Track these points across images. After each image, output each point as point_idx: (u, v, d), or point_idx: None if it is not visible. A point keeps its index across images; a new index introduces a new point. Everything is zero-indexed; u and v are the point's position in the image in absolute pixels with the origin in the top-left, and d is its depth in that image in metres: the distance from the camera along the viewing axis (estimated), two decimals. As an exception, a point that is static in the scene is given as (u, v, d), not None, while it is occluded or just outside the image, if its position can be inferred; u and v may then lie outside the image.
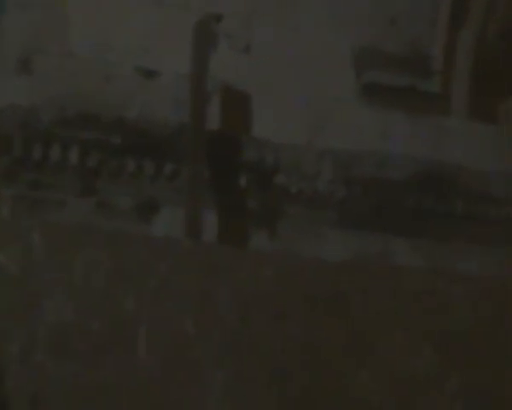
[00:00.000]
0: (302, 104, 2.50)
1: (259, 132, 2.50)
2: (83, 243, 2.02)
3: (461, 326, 2.40)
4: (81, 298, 1.98)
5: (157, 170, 2.47)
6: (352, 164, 2.48)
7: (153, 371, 1.98)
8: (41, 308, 1.93)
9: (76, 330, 1.95)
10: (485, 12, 2.75)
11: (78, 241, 2.04)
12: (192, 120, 2.42)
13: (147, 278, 2.02)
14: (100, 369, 1.94)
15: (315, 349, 2.19)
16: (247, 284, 2.11)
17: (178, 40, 2.47)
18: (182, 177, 2.44)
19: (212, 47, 2.47)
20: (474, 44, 2.72)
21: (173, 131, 2.47)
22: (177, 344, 2.03)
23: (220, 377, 2.06)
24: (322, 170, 2.45)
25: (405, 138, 2.60)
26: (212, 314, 2.06)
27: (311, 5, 2.51)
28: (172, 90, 2.49)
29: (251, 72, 2.55)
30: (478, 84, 2.78)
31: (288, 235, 2.48)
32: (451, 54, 2.64)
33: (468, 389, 2.32)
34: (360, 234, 2.52)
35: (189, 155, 2.42)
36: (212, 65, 2.46)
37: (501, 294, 2.49)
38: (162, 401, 1.99)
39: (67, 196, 2.40)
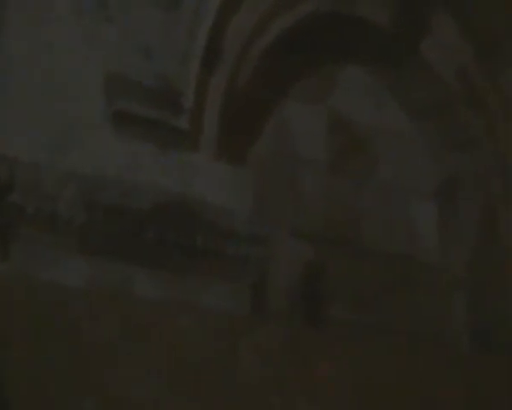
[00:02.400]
0: (47, 123, 2.44)
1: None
2: None
3: (193, 359, 2.45)
4: None
5: None
6: (95, 190, 2.45)
7: None
8: None
9: None
10: (238, 57, 2.88)
11: None
12: None
13: None
14: None
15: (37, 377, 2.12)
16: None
17: None
18: None
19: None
20: (226, 87, 2.84)
21: None
22: None
23: None
24: (64, 192, 2.39)
25: (152, 170, 2.62)
26: None
27: (65, 23, 2.48)
28: None
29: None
30: (228, 126, 2.90)
31: (21, 257, 2.39)
32: (203, 93, 2.73)
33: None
34: (99, 261, 2.49)
35: None
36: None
37: (235, 329, 2.59)
38: None
39: None
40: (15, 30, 2.48)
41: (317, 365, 2.66)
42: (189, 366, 2.42)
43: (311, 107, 3.45)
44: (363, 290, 3.37)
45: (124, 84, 2.52)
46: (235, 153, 2.92)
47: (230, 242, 2.77)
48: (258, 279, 2.97)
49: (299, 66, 3.39)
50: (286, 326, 2.76)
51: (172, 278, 2.63)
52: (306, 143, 3.43)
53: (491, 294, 3.47)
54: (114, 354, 2.20)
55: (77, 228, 2.44)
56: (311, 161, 3.42)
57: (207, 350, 2.47)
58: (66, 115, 2.48)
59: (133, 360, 2.24)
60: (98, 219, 2.45)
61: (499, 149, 3.65)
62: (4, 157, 2.30)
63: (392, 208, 3.56)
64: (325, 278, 3.32)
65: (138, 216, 2.52)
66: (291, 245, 3.24)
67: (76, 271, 2.46)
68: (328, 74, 3.52)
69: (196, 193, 2.71)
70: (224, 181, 2.82)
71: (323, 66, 3.50)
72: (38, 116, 2.45)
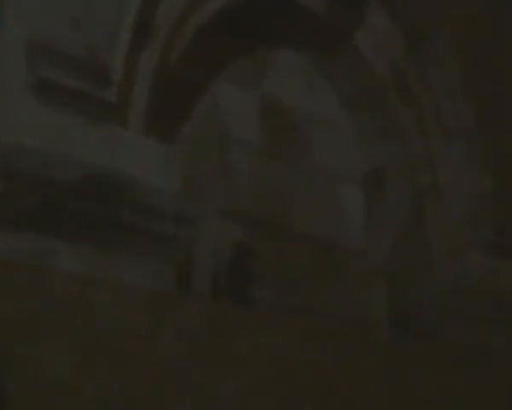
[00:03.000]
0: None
1: None
2: None
3: (114, 334, 2.43)
4: None
5: None
6: (16, 159, 2.40)
7: None
8: None
9: None
10: (171, 34, 2.86)
11: None
12: None
13: None
14: None
15: None
16: None
17: None
18: None
19: None
20: (157, 63, 2.81)
21: None
22: None
23: None
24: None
25: (78, 142, 2.58)
26: None
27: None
28: None
29: None
30: (158, 103, 2.88)
31: None
32: (133, 67, 2.70)
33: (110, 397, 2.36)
34: (19, 232, 2.44)
35: None
36: None
37: (157, 306, 2.58)
38: None
39: None
40: None
41: (238, 344, 2.68)
42: (110, 341, 2.41)
43: (244, 89, 3.46)
44: (290, 273, 3.40)
45: (49, 53, 2.47)
46: (164, 131, 2.91)
47: (156, 219, 2.76)
48: (184, 258, 2.97)
49: (234, 47, 3.40)
50: (210, 305, 2.76)
51: (96, 252, 2.60)
52: (239, 125, 3.44)
53: (412, 281, 3.55)
54: (37, 327, 2.17)
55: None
56: (243, 144, 3.43)
57: (129, 326, 2.46)
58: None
59: (54, 334, 2.21)
60: (19, 189, 2.40)
61: (427, 140, 3.73)
62: None
63: (321, 194, 3.59)
64: (253, 259, 3.34)
65: (61, 188, 2.48)
66: (219, 225, 3.25)
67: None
68: (262, 57, 3.53)
69: (123, 168, 2.68)
70: (152, 158, 2.80)
71: (258, 49, 3.51)
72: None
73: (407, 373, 3.00)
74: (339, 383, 2.82)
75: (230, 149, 3.40)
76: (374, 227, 3.65)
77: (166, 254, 2.81)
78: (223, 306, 2.97)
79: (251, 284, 3.28)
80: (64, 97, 2.54)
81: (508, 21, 4.05)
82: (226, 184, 3.35)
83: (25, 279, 2.26)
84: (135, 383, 2.42)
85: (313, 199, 3.57)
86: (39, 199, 2.43)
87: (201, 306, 2.66)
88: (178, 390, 2.51)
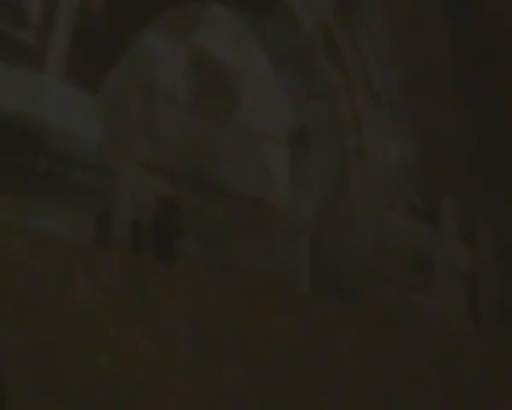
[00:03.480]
0: None
1: None
2: None
3: (25, 285, 2.37)
4: None
5: None
6: None
7: None
8: None
9: None
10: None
11: None
12: None
13: None
14: None
15: None
16: None
17: None
18: None
19: None
20: (81, 7, 2.72)
21: None
22: None
23: None
24: None
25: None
26: None
27: None
28: None
29: None
30: (81, 49, 2.79)
31: None
32: (52, 9, 2.61)
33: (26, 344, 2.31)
34: None
35: None
36: None
37: (74, 256, 2.52)
38: None
39: None
40: None
41: (158, 297, 2.65)
42: (21, 294, 2.34)
43: (173, 41, 3.39)
44: (215, 230, 3.38)
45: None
46: (88, 78, 2.82)
47: (76, 168, 2.69)
48: (104, 209, 2.91)
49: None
50: (127, 256, 2.72)
51: (13, 201, 2.53)
52: (166, 77, 3.37)
53: (335, 241, 3.58)
54: None
55: None
56: (170, 96, 3.37)
57: (45, 275, 2.40)
58: None
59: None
60: None
61: (355, 103, 3.74)
62: None
63: (247, 151, 3.57)
64: (177, 213, 3.30)
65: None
66: (142, 178, 3.20)
67: None
68: (193, 10, 3.46)
69: (41, 114, 2.60)
70: (73, 105, 2.73)
71: (190, 1, 3.44)
72: None
73: (327, 330, 3.03)
74: (257, 337, 2.83)
75: (157, 101, 3.33)
76: (299, 186, 3.66)
77: (86, 204, 2.75)
78: (141, 257, 2.94)
79: (174, 239, 3.25)
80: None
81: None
82: (151, 136, 3.29)
83: None
84: (49, 331, 2.37)
85: (239, 156, 3.54)
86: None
87: (119, 257, 2.62)
88: (94, 341, 2.47)
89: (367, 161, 3.79)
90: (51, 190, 2.65)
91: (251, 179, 3.54)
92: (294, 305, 3.00)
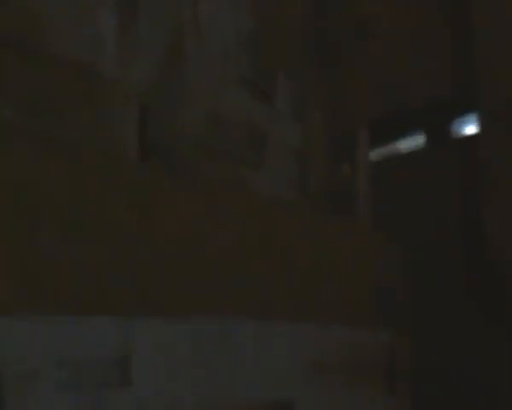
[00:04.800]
0: None
1: None
2: None
3: None
4: None
5: None
6: None
7: None
8: None
9: None
10: None
11: None
12: None
13: None
14: None
15: None
16: None
17: None
18: None
19: None
20: None
21: None
22: None
23: None
24: None
25: None
26: None
27: None
28: None
29: None
30: None
31: None
32: None
33: None
34: None
35: None
36: None
37: None
38: None
39: None
40: None
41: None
42: None
43: None
44: (37, 97, 3.16)
45: None
46: None
47: None
48: None
49: None
50: None
51: None
52: None
53: (167, 113, 3.47)
54: None
55: None
56: None
57: None
58: None
59: None
60: None
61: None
62: None
63: (75, 13, 3.33)
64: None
65: None
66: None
67: None
68: None
69: None
70: None
71: None
72: None
73: (154, 201, 2.95)
74: (86, 208, 2.71)
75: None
76: (128, 53, 3.48)
77: None
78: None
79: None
80: None
81: None
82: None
83: None
84: None
85: (65, 18, 3.30)
86: None
87: None
88: None
89: (202, 33, 3.67)
90: None
91: (77, 44, 3.31)
92: (122, 175, 2.89)
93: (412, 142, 5.51)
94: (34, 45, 3.19)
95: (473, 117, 5.08)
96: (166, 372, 2.74)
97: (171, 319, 2.85)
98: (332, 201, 4.27)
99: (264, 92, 3.97)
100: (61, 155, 2.67)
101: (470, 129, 5.16)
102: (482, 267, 4.49)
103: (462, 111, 5.13)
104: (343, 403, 3.62)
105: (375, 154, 5.46)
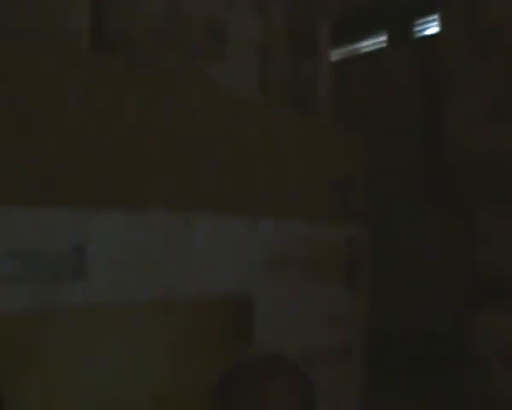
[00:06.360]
0: None
1: None
2: None
3: None
4: None
5: None
6: None
7: None
8: None
9: None
10: None
11: None
12: None
13: None
14: None
15: None
16: None
17: None
18: None
19: None
20: None
21: None
22: None
23: None
24: None
25: None
26: None
27: None
28: None
29: None
30: None
31: None
32: None
33: None
34: None
35: None
36: None
37: None
38: None
39: None
40: None
41: None
42: None
43: None
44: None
45: None
46: None
47: None
48: None
49: None
50: None
51: None
52: None
53: (125, 2, 3.38)
54: None
55: None
56: None
57: None
58: None
59: None
60: None
61: None
62: None
63: None
64: None
65: None
66: None
67: None
68: None
69: None
70: None
71: None
72: None
73: (108, 90, 2.87)
74: (36, 97, 2.64)
75: None
76: None
77: None
78: None
79: None
80: None
81: None
82: None
83: None
84: None
85: None
86: None
87: None
88: None
89: None
90: None
91: None
92: (74, 64, 2.81)
93: (374, 42, 5.50)
94: None
95: (435, 18, 5.05)
96: (122, 263, 2.75)
97: (131, 211, 2.84)
98: (293, 95, 4.24)
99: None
100: (9, 45, 2.57)
101: (432, 30, 5.14)
102: (441, 159, 4.55)
103: (424, 12, 5.10)
104: (303, 296, 3.66)
105: (338, 53, 5.41)
